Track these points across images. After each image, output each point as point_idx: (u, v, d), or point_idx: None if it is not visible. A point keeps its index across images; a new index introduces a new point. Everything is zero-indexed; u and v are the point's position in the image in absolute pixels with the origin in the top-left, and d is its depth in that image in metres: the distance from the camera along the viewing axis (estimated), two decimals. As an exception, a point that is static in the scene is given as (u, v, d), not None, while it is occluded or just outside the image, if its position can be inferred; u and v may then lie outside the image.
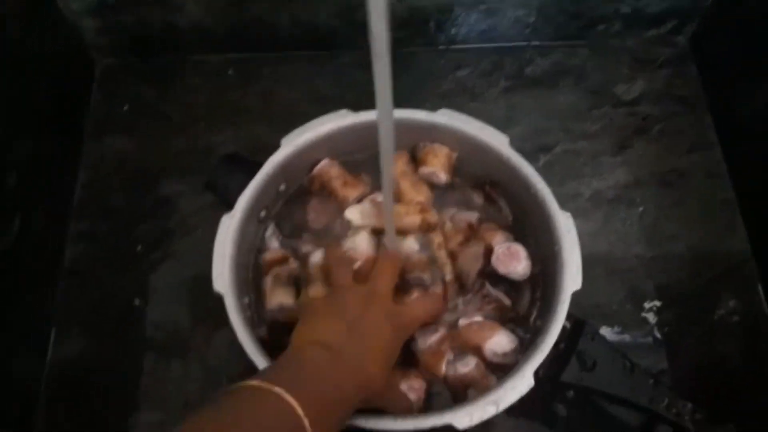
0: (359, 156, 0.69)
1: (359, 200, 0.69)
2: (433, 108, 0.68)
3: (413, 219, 0.66)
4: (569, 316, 0.58)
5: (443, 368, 0.61)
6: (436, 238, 0.67)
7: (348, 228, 0.67)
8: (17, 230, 0.67)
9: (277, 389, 0.43)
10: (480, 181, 0.71)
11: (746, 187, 0.79)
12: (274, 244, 0.68)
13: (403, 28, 0.85)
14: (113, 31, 0.85)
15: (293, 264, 0.66)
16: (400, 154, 0.71)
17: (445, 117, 0.67)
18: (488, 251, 0.66)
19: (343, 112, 0.67)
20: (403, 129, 0.67)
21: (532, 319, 0.64)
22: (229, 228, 0.61)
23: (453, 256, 0.66)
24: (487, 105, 0.85)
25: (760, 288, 0.75)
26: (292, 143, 0.66)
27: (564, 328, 0.58)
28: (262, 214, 0.67)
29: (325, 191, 0.70)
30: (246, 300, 0.63)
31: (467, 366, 0.60)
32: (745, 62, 0.80)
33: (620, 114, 0.85)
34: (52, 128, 0.79)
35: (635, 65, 0.88)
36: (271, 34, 0.86)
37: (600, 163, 0.82)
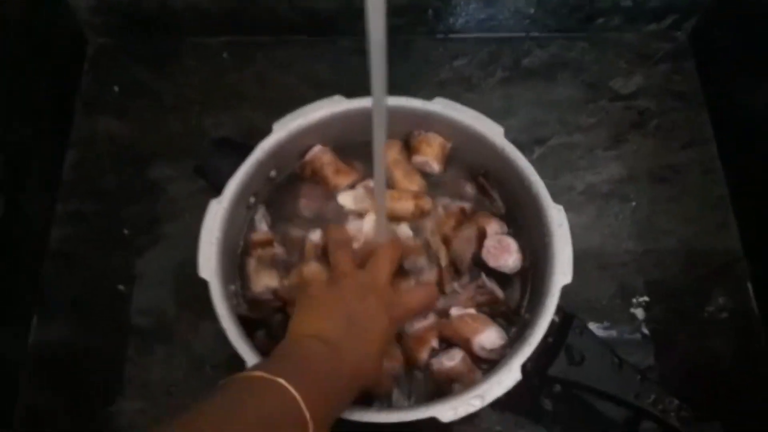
0: (352, 142, 0.68)
1: (352, 187, 0.68)
2: (429, 97, 0.67)
3: (406, 204, 0.66)
4: (558, 310, 0.58)
5: (425, 355, 0.61)
6: (429, 224, 0.67)
7: (340, 214, 0.67)
8: (2, 210, 0.66)
9: (281, 380, 0.42)
10: (473, 172, 0.70)
11: (740, 185, 0.79)
12: (263, 227, 0.68)
13: (401, 15, 0.84)
14: (107, 10, 0.83)
15: (277, 249, 0.66)
16: (392, 143, 0.70)
17: (440, 106, 0.66)
18: (481, 235, 0.65)
19: (337, 98, 0.66)
20: (398, 117, 0.67)
21: (522, 312, 0.63)
22: (216, 214, 0.60)
23: (446, 240, 0.66)
24: (484, 95, 0.85)
25: (750, 286, 0.75)
26: (284, 128, 0.65)
27: (553, 322, 0.58)
28: (252, 200, 0.67)
29: (316, 178, 0.69)
30: (233, 287, 0.62)
31: (453, 360, 0.60)
32: (744, 59, 0.80)
33: (617, 108, 0.84)
34: (42, 107, 0.78)
35: (634, 59, 0.87)
36: (268, 18, 0.85)
37: (595, 157, 0.81)
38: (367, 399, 0.59)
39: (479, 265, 0.65)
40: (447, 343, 0.63)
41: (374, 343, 0.52)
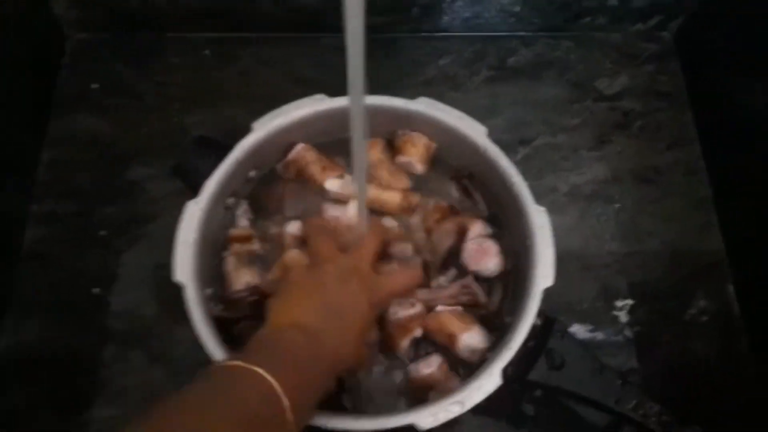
0: (334, 141, 0.68)
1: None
2: (414, 96, 0.66)
3: (394, 195, 0.65)
4: (540, 313, 0.58)
5: (405, 344, 0.61)
6: (415, 220, 0.67)
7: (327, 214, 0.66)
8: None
9: (257, 369, 0.42)
10: (458, 173, 0.69)
11: (724, 186, 0.79)
12: (243, 223, 0.67)
13: (386, 13, 0.83)
14: (86, 4, 0.82)
15: (256, 245, 0.65)
16: (376, 141, 0.70)
17: (423, 105, 0.66)
18: (461, 230, 0.65)
19: (319, 96, 0.65)
20: (380, 116, 0.66)
21: (502, 317, 0.63)
22: (193, 215, 0.59)
23: (428, 231, 0.66)
24: (469, 95, 0.84)
25: (731, 288, 0.75)
26: (264, 127, 0.64)
27: (534, 326, 0.57)
28: (230, 200, 0.66)
29: (301, 177, 0.68)
30: (209, 290, 0.61)
31: (430, 367, 0.59)
32: (729, 60, 0.80)
33: (602, 108, 0.84)
34: (17, 105, 0.76)
35: (619, 59, 0.87)
36: (252, 14, 0.83)
37: (579, 158, 0.81)
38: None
39: (459, 267, 0.64)
40: (430, 340, 0.62)
41: (354, 329, 0.51)
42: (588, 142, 0.82)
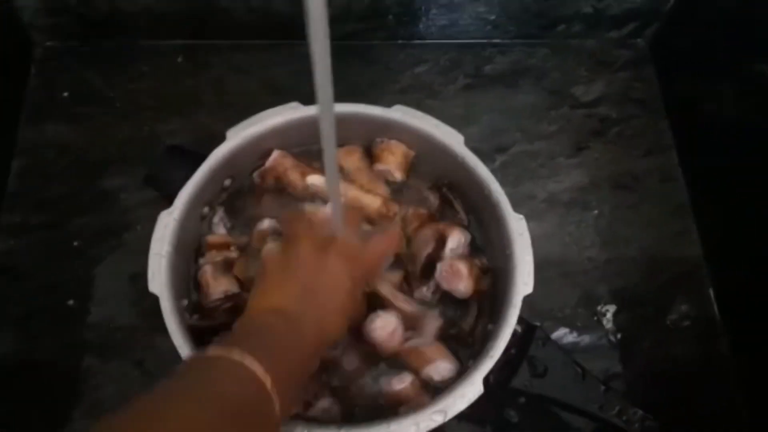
0: (310, 149, 0.67)
1: None
2: (390, 103, 0.66)
3: (374, 199, 0.65)
4: (520, 321, 0.57)
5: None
6: (394, 227, 0.65)
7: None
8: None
9: (238, 357, 0.40)
10: (436, 181, 0.69)
11: (701, 192, 0.80)
12: (220, 230, 0.66)
13: (362, 20, 0.83)
14: (55, 11, 0.80)
15: (233, 253, 0.63)
16: (353, 149, 0.69)
17: (399, 113, 0.65)
18: (441, 237, 0.64)
19: (294, 104, 0.65)
20: (357, 124, 0.66)
21: (476, 334, 0.62)
22: (167, 226, 0.58)
23: (407, 240, 0.65)
24: (446, 102, 0.84)
25: (711, 293, 0.76)
26: (239, 136, 0.63)
27: (515, 333, 0.57)
28: (205, 210, 0.64)
29: (280, 184, 0.67)
30: (185, 302, 0.60)
31: (402, 383, 0.58)
32: (703, 67, 0.81)
33: (578, 115, 0.84)
34: (-16, 114, 0.74)
35: (594, 67, 0.87)
36: (225, 21, 0.83)
37: (556, 165, 0.81)
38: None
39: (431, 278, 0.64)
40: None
41: (335, 304, 0.50)
42: (565, 149, 0.82)
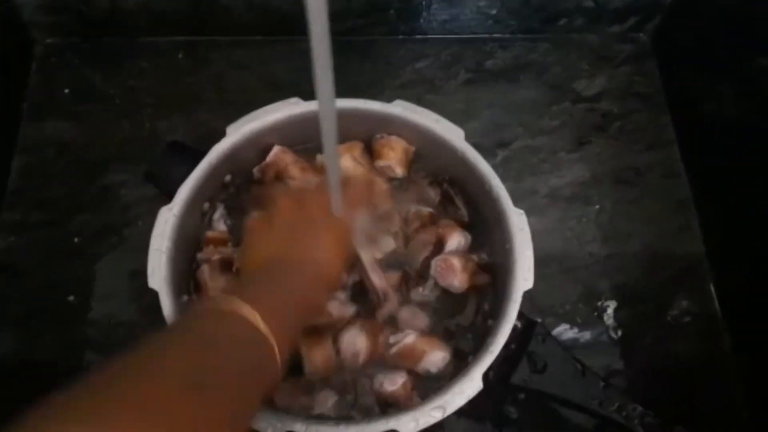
0: (310, 146, 0.67)
1: None
2: (391, 99, 0.66)
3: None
4: (520, 316, 0.57)
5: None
6: (394, 227, 0.66)
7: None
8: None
9: (235, 307, 0.40)
10: (437, 176, 0.69)
11: (703, 187, 0.79)
12: (221, 227, 0.66)
13: (363, 15, 0.82)
14: (55, 8, 0.80)
15: (230, 249, 0.63)
16: (354, 145, 0.69)
17: (400, 108, 0.65)
18: (439, 242, 0.64)
19: (294, 100, 0.65)
20: (357, 119, 0.66)
21: (476, 330, 0.62)
22: (167, 222, 0.58)
23: (407, 240, 0.65)
24: (447, 97, 0.83)
25: (712, 289, 0.75)
26: (239, 132, 0.63)
27: (515, 328, 0.56)
28: (206, 206, 0.64)
29: (281, 180, 0.67)
30: (185, 298, 0.60)
31: (394, 384, 0.58)
32: (706, 61, 0.80)
33: (580, 110, 0.84)
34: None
35: (596, 61, 0.87)
36: (225, 18, 0.82)
37: (558, 160, 0.81)
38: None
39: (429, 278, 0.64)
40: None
41: (327, 247, 0.51)
42: (567, 144, 0.82)
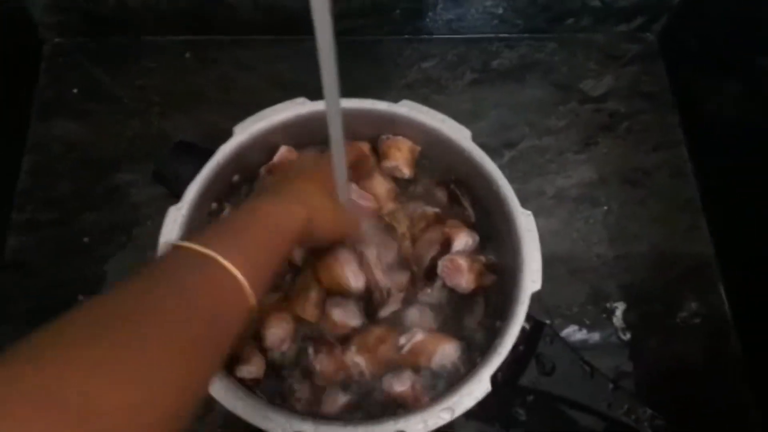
0: (317, 146, 0.67)
1: None
2: (397, 99, 0.65)
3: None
4: (528, 318, 0.57)
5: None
6: (400, 228, 0.65)
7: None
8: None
9: (200, 247, 0.39)
10: (444, 177, 0.69)
11: (711, 187, 0.79)
12: None
13: (368, 15, 0.82)
14: (63, 8, 0.80)
15: None
16: (360, 145, 0.68)
17: (406, 108, 0.65)
18: (446, 241, 0.64)
19: (301, 100, 0.64)
20: (364, 120, 0.65)
21: (484, 330, 0.62)
22: (175, 221, 0.58)
23: (413, 240, 0.65)
24: (453, 98, 0.83)
25: (722, 289, 0.75)
26: (246, 131, 0.63)
27: (523, 330, 0.56)
28: (214, 205, 0.64)
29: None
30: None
31: (403, 385, 0.58)
32: (713, 60, 0.80)
33: (587, 110, 0.84)
34: (-5, 110, 0.75)
35: (603, 61, 0.87)
36: (231, 17, 0.82)
37: (565, 160, 0.80)
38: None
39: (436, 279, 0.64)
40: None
41: (304, 179, 0.51)
42: (574, 145, 0.81)
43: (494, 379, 0.53)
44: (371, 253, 0.62)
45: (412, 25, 0.85)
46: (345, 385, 0.59)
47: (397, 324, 0.62)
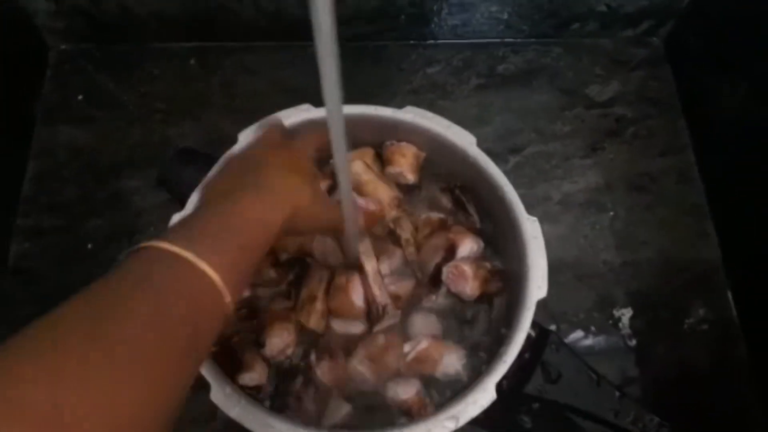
0: (321, 152, 0.66)
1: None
2: (402, 105, 0.65)
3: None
4: (534, 325, 0.56)
5: None
6: (405, 234, 0.65)
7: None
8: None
9: (167, 246, 0.38)
10: (449, 183, 0.68)
11: (719, 192, 0.78)
12: None
13: (373, 21, 0.82)
14: (68, 15, 0.81)
15: None
16: (365, 151, 0.68)
17: (411, 115, 0.64)
18: (451, 247, 0.63)
19: (305, 106, 0.64)
20: (368, 126, 0.65)
21: (490, 337, 0.61)
22: (178, 228, 0.57)
23: (418, 247, 0.65)
24: (458, 103, 0.83)
25: (729, 295, 0.74)
26: (250, 138, 0.62)
27: (529, 337, 0.55)
28: (217, 212, 0.64)
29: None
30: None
31: (408, 393, 0.57)
32: (720, 65, 0.79)
33: (593, 115, 0.83)
34: (0, 117, 0.75)
35: (609, 66, 0.86)
36: (235, 23, 0.82)
37: (571, 166, 0.80)
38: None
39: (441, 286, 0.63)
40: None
41: (277, 165, 0.48)
42: (580, 150, 0.81)
43: (499, 387, 0.53)
44: (370, 267, 0.61)
45: (418, 30, 0.85)
46: (348, 394, 0.59)
47: (401, 332, 0.61)
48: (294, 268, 0.64)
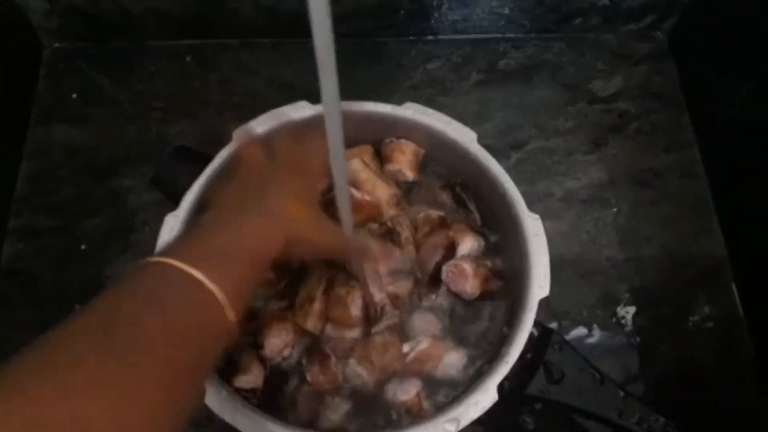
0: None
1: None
2: (402, 101, 0.64)
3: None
4: (536, 324, 0.55)
5: None
6: (404, 233, 0.64)
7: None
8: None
9: (177, 263, 0.38)
10: (449, 180, 0.67)
11: (723, 188, 0.77)
12: None
13: (373, 17, 0.81)
14: (63, 13, 0.80)
15: None
16: (363, 149, 0.67)
17: (411, 111, 0.63)
18: (450, 245, 0.63)
19: (302, 103, 0.63)
20: (367, 123, 0.64)
21: (491, 337, 0.60)
22: (173, 229, 0.57)
23: (417, 246, 0.64)
24: (458, 99, 0.82)
25: (735, 292, 0.73)
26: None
27: (531, 337, 0.55)
28: (213, 212, 0.63)
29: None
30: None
31: (408, 394, 0.56)
32: (724, 59, 0.78)
33: (596, 111, 0.82)
34: (-6, 115, 0.74)
35: (612, 60, 0.85)
36: (233, 20, 0.82)
37: (573, 162, 0.79)
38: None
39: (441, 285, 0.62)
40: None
41: (278, 185, 0.48)
42: (582, 146, 0.80)
43: (501, 388, 0.52)
44: (368, 267, 0.60)
45: (417, 25, 0.84)
46: (346, 395, 0.58)
47: (401, 332, 0.60)
48: (292, 268, 0.63)
